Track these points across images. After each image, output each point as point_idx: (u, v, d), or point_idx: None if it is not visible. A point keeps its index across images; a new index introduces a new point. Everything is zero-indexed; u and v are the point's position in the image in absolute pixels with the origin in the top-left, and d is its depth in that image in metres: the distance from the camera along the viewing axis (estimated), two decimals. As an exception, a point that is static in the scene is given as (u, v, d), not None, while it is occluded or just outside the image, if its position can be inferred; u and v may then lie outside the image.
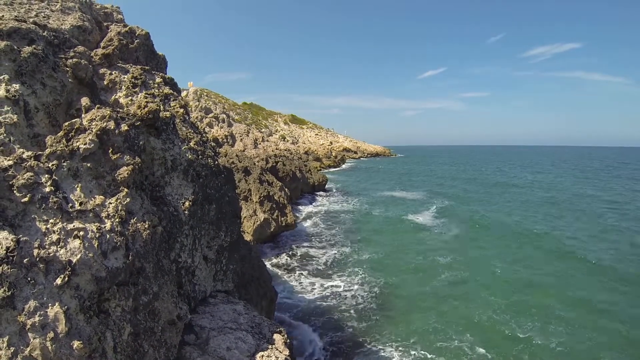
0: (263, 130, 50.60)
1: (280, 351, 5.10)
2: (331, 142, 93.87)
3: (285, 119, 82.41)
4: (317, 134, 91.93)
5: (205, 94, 43.00)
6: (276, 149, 41.99)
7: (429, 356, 10.84)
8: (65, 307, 3.04)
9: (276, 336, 5.45)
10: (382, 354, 10.95)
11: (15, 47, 3.66)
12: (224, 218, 6.92)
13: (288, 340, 5.52)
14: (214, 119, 37.55)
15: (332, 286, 15.46)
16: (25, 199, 3.24)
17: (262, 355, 4.78)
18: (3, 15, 4.01)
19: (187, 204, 5.53)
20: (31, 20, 4.20)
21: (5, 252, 2.91)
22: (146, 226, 4.21)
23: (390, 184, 51.15)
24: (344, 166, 78.57)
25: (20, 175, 3.26)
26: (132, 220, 4.08)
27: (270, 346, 5.10)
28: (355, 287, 15.44)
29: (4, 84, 3.53)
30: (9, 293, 2.85)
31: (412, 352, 11.01)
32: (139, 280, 3.87)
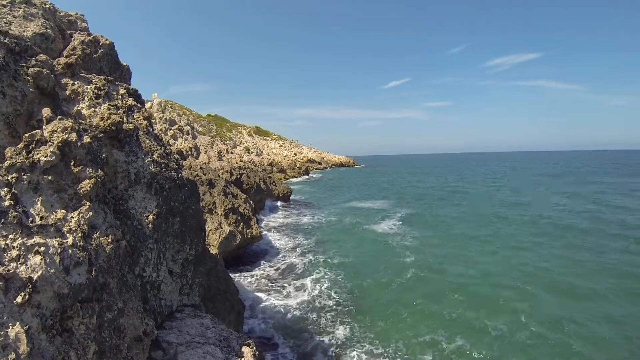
0: (227, 142, 50.21)
1: (249, 364, 5.03)
2: (295, 154, 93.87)
3: (250, 130, 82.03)
4: (281, 146, 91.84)
5: (169, 105, 42.42)
6: (240, 160, 41.70)
7: (404, 352, 11.26)
8: (27, 326, 2.92)
9: (245, 349, 5.37)
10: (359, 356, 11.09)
11: None
12: (189, 231, 6.81)
13: (257, 353, 5.45)
14: (178, 131, 37.06)
15: (300, 296, 15.45)
16: (-17, 215, 3.11)
17: None
18: None
19: (151, 217, 5.42)
20: None
21: (-39, 270, 2.78)
22: (109, 240, 4.10)
23: (354, 194, 51.52)
24: (308, 177, 78.62)
25: (-23, 189, 3.13)
26: (94, 235, 3.97)
27: (239, 359, 5.03)
28: (325, 295, 15.51)
29: None
30: (-35, 313, 2.72)
31: (388, 352, 11.22)
32: (103, 297, 3.75)
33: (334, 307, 14.38)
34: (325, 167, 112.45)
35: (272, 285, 16.76)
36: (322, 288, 16.35)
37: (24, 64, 4.10)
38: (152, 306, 5.22)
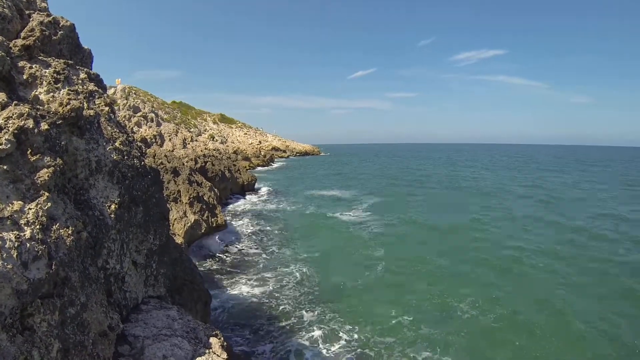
0: (192, 129, 49.42)
1: (217, 355, 4.95)
2: (260, 142, 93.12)
3: (215, 118, 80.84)
4: (246, 134, 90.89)
5: (133, 91, 41.26)
6: (205, 148, 41.23)
7: (376, 338, 11.46)
8: (-17, 326, 2.76)
9: (213, 340, 5.29)
10: (330, 344, 11.14)
11: None
12: (152, 221, 6.63)
13: (225, 343, 5.38)
14: (142, 118, 36.20)
15: (266, 285, 15.42)
16: None
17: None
18: None
19: (113, 207, 5.23)
20: None
21: None
22: (70, 232, 3.93)
23: (318, 183, 51.73)
24: (273, 165, 78.28)
25: None
26: (54, 227, 3.78)
27: (207, 350, 4.94)
28: (291, 283, 15.58)
29: None
30: None
31: (360, 336, 11.38)
32: (65, 291, 3.59)
33: (299, 295, 14.46)
34: (290, 156, 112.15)
35: (237, 274, 16.67)
36: (287, 276, 16.40)
37: None
38: (116, 299, 5.06)
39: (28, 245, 3.35)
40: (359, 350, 10.82)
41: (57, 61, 5.06)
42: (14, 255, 3.17)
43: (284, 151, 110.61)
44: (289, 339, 11.31)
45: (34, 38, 4.87)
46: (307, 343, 11.18)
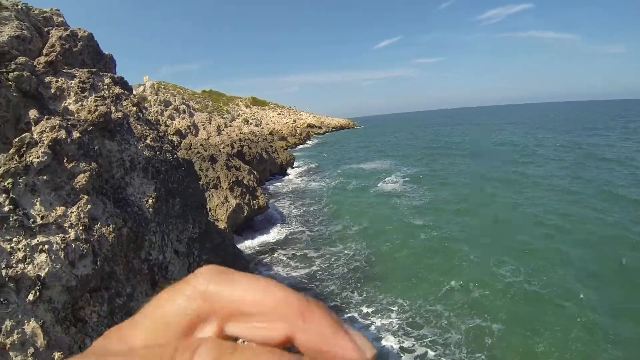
0: (225, 116, 49.91)
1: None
2: (294, 120, 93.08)
3: (246, 102, 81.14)
4: (279, 114, 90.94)
5: (162, 86, 41.87)
6: (240, 133, 41.61)
7: (427, 307, 11.59)
8: (41, 321, 3.10)
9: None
10: (380, 318, 11.31)
11: None
12: (190, 210, 6.96)
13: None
14: (174, 111, 36.81)
15: (312, 263, 15.58)
16: (-15, 221, 3.25)
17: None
18: None
19: (150, 201, 5.55)
20: None
21: (-28, 276, 2.94)
22: (111, 230, 4.25)
23: (357, 156, 51.28)
24: (309, 143, 78.11)
25: (-24, 197, 3.26)
26: (96, 226, 4.11)
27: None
28: (336, 261, 15.59)
29: None
30: (-18, 315, 2.89)
31: (410, 307, 11.60)
32: (111, 284, 3.93)
33: (346, 271, 14.52)
34: (326, 131, 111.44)
35: (282, 254, 16.92)
36: (332, 254, 16.46)
37: (4, 70, 4.17)
38: (161, 288, 5.40)
39: (73, 245, 3.69)
40: (410, 320, 10.91)
41: (81, 71, 5.36)
42: (62, 256, 3.50)
43: (320, 127, 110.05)
44: (339, 316, 11.53)
45: (55, 53, 5.18)
46: (358, 317, 11.39)
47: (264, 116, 78.93)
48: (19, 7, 5.39)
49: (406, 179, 31.44)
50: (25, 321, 3.04)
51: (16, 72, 4.18)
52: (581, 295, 11.36)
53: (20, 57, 4.48)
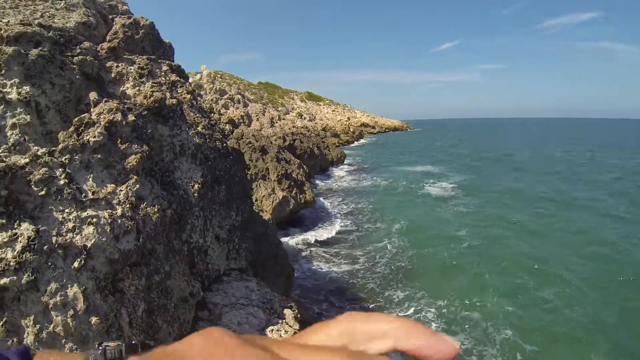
0: (280, 108, 50.48)
1: (290, 325, 5.38)
2: (348, 118, 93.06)
3: (302, 96, 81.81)
4: (334, 110, 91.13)
5: (219, 75, 42.78)
6: (293, 126, 41.98)
7: (463, 313, 11.51)
8: (83, 287, 3.35)
9: (287, 311, 5.72)
10: (415, 317, 11.32)
11: (23, 51, 3.91)
12: (235, 198, 7.17)
13: (299, 315, 5.78)
14: (229, 100, 37.51)
15: (354, 261, 15.67)
16: (42, 193, 3.52)
17: (272, 330, 5.07)
18: (9, 21, 4.23)
19: (196, 186, 5.78)
20: (36, 22, 4.42)
21: (27, 241, 3.21)
22: (156, 210, 4.49)
23: (409, 158, 50.91)
24: (362, 141, 78.08)
25: (36, 171, 3.54)
26: (142, 205, 4.36)
27: (280, 321, 5.39)
28: (379, 259, 15.65)
29: (15, 87, 3.79)
30: (33, 277, 3.16)
31: (447, 312, 11.56)
32: (151, 261, 4.17)
33: (388, 272, 14.54)
34: (379, 131, 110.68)
35: (323, 250, 17.06)
36: (376, 252, 16.51)
37: (69, 54, 4.48)
38: (199, 270, 5.64)
39: (119, 221, 3.94)
40: (446, 326, 10.89)
41: (141, 58, 5.66)
42: (108, 230, 3.76)
43: (373, 127, 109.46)
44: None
45: (117, 40, 5.50)
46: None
47: (318, 112, 79.27)
48: (88, -6, 5.77)
49: (455, 185, 30.90)
50: (69, 286, 3.30)
51: (80, 57, 4.49)
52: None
53: (85, 43, 4.78)
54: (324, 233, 19.75)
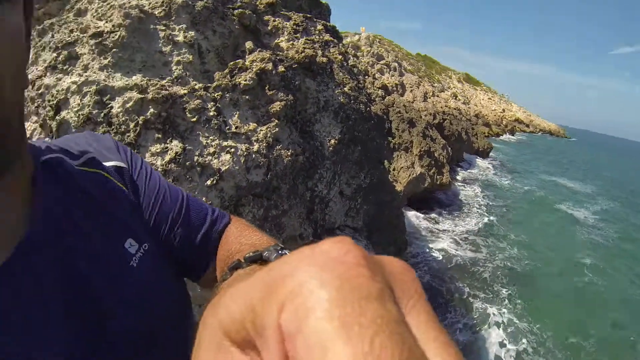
0: (435, 84, 49.21)
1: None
2: (503, 110, 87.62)
3: (459, 77, 78.66)
4: (490, 99, 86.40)
5: (378, 40, 42.28)
6: (445, 106, 40.96)
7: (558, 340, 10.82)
8: (210, 202, 3.90)
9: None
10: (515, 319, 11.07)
11: (190, 2, 4.57)
12: (368, 161, 7.45)
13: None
14: (385, 66, 37.36)
15: (469, 253, 15.39)
16: (194, 119, 4.14)
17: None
18: None
19: (332, 141, 6.15)
20: None
21: (174, 155, 3.85)
22: (289, 154, 4.95)
23: (557, 168, 46.80)
24: (512, 138, 73.39)
25: (192, 101, 4.16)
26: (277, 147, 4.84)
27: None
28: (496, 259, 15.23)
29: (182, 32, 4.47)
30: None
31: (543, 332, 11.00)
32: (273, 197, 4.66)
33: (497, 273, 14.09)
34: (533, 132, 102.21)
35: (443, 235, 16.86)
36: (490, 250, 16.02)
37: (230, 6, 5.08)
38: (315, 217, 6.06)
39: (254, 156, 4.46)
40: (534, 344, 10.46)
41: (297, 15, 6.10)
42: (242, 161, 4.30)
43: (527, 125, 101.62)
44: (479, 308, 11.46)
45: (276, -4, 6.01)
46: (499, 312, 11.22)
47: (473, 96, 75.92)
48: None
49: (598, 213, 27.92)
50: (199, 197, 3.87)
51: (240, 10, 5.07)
52: None
53: (246, -4, 5.37)
54: (449, 218, 19.44)
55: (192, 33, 4.52)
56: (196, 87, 4.32)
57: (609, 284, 15.55)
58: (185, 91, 4.21)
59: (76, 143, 0.90)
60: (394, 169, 19.39)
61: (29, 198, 0.70)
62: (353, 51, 32.10)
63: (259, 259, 0.70)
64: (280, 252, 0.70)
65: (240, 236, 1.00)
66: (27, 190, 0.70)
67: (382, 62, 37.45)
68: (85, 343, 0.64)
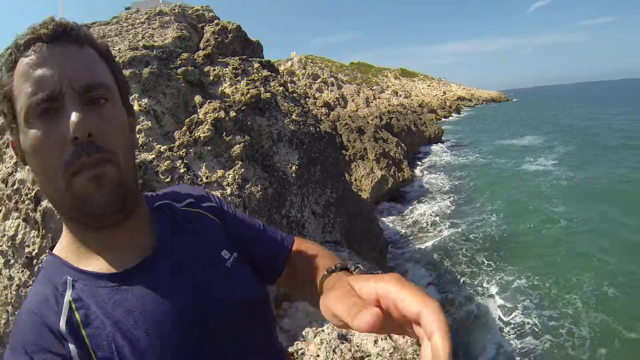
0: (374, 87, 50.00)
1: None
2: (444, 92, 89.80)
3: (395, 73, 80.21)
4: (429, 85, 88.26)
5: (310, 60, 42.90)
6: (389, 105, 41.76)
7: (554, 289, 11.21)
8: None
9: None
10: (504, 286, 11.37)
11: (137, 72, 4.96)
12: (329, 177, 7.84)
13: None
14: (322, 84, 37.92)
15: (448, 233, 15.76)
16: (168, 180, 4.47)
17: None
18: (120, 48, 5.30)
19: (293, 168, 6.53)
20: (141, 44, 5.46)
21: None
22: (259, 189, 5.31)
23: (508, 132, 47.99)
24: (459, 116, 75.18)
25: (161, 163, 4.50)
26: (247, 186, 5.20)
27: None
28: (472, 233, 15.57)
29: (136, 101, 4.88)
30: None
31: (534, 286, 11.34)
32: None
33: (478, 245, 14.48)
34: (476, 104, 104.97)
35: (420, 226, 17.22)
36: (467, 225, 16.45)
37: (172, 66, 5.46)
38: (297, 240, 6.37)
39: (229, 199, 4.81)
40: (536, 300, 10.78)
41: (234, 59, 6.53)
42: (219, 207, 4.65)
43: (470, 100, 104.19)
44: (456, 283, 11.81)
45: (210, 47, 6.42)
46: (487, 284, 11.53)
47: (413, 88, 77.43)
48: (176, 10, 6.75)
49: (555, 161, 28.75)
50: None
51: (182, 68, 5.46)
52: None
53: (184, 54, 5.74)
54: (422, 209, 19.81)
55: (145, 100, 4.89)
56: (161, 149, 4.67)
57: (584, 225, 16.00)
58: (153, 155, 4.55)
59: (180, 192, 1.28)
60: (355, 179, 19.79)
61: (150, 231, 1.05)
62: (289, 78, 32.66)
63: (344, 268, 0.99)
64: (356, 265, 0.99)
65: (306, 249, 1.34)
66: (148, 226, 1.06)
67: (318, 80, 37.95)
68: (195, 307, 0.97)
